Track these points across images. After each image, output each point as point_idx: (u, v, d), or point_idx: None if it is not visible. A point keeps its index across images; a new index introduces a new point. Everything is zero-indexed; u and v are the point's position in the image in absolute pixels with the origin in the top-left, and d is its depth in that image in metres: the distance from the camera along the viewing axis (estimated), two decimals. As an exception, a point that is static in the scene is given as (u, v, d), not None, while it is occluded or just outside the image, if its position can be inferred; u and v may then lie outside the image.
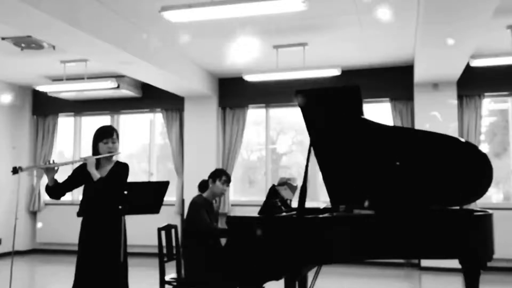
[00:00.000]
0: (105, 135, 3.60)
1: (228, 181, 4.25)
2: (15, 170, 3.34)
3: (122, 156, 3.73)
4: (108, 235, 3.45)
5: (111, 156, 3.62)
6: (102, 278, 3.43)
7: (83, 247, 3.52)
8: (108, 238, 3.45)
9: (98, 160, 3.57)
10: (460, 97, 7.03)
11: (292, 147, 8.55)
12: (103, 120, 8.69)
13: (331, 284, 5.96)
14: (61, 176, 3.59)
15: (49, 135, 8.75)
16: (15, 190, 8.37)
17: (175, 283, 3.96)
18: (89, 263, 3.46)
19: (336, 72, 6.52)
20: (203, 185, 4.28)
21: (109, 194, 3.38)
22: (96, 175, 3.46)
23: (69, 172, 3.71)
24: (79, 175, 3.59)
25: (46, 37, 4.98)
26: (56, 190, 3.55)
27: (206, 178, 4.30)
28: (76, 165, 3.69)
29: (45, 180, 3.52)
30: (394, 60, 7.01)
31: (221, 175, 4.21)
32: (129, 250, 3.61)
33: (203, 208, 4.07)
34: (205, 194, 4.22)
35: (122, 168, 3.63)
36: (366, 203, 3.39)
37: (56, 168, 3.48)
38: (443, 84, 6.99)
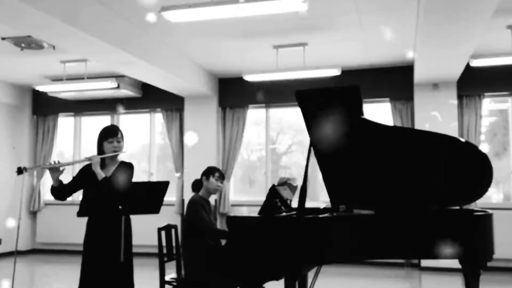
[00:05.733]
0: (110, 134, 3.60)
1: (221, 177, 4.24)
2: (20, 171, 3.34)
3: (122, 156, 3.72)
4: (111, 235, 3.45)
5: (116, 156, 3.62)
6: (107, 279, 3.43)
7: (87, 248, 3.52)
8: (111, 238, 3.45)
9: (102, 160, 3.56)
10: (460, 97, 7.03)
11: (292, 147, 8.55)
12: (103, 120, 8.69)
13: (331, 284, 5.96)
14: (63, 176, 3.58)
15: (49, 135, 8.75)
16: (17, 190, 8.37)
17: (175, 283, 3.96)
18: (94, 263, 3.46)
19: (336, 72, 6.52)
20: (196, 185, 4.27)
21: (113, 194, 3.38)
22: (101, 174, 3.45)
23: (69, 172, 3.70)
24: (84, 175, 3.58)
25: (46, 37, 4.98)
26: (61, 191, 3.54)
27: (199, 178, 4.29)
28: (81, 165, 3.68)
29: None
30: (394, 60, 7.01)
31: (214, 172, 4.19)
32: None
33: (202, 207, 4.06)
34: (201, 193, 4.21)
35: (127, 168, 3.63)
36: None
37: (61, 168, 3.48)
38: (443, 84, 6.99)
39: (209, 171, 4.21)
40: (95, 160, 3.48)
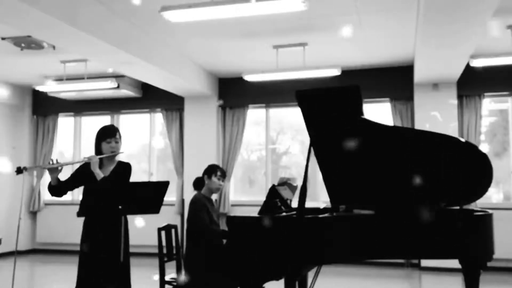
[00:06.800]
0: (108, 134, 3.60)
1: (223, 175, 4.24)
2: (19, 170, 3.34)
3: (122, 156, 3.73)
4: (109, 235, 3.45)
5: (114, 156, 3.62)
6: (104, 278, 3.43)
7: (85, 248, 3.52)
8: (109, 238, 3.45)
9: (100, 160, 3.57)
10: (460, 97, 7.03)
11: (292, 147, 8.55)
12: (103, 120, 8.69)
13: (331, 284, 5.96)
14: (62, 175, 3.58)
15: (49, 135, 8.75)
16: (17, 190, 8.36)
17: (175, 283, 3.96)
18: (91, 263, 3.46)
19: (336, 72, 6.52)
20: (198, 183, 4.27)
21: (112, 193, 3.38)
22: (100, 174, 3.46)
23: (70, 172, 3.71)
24: (82, 175, 3.59)
25: (46, 37, 4.98)
26: (58, 189, 3.55)
27: (200, 176, 4.29)
28: (79, 164, 3.69)
29: (45, 181, 3.53)
30: (394, 60, 7.01)
31: (216, 170, 4.19)
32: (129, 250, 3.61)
33: (203, 208, 4.05)
34: (202, 191, 4.21)
35: (124, 168, 3.63)
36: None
37: (60, 168, 3.48)
38: (443, 84, 6.99)
39: (211, 170, 4.20)
40: (94, 160, 3.49)
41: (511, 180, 7.16)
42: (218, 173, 4.18)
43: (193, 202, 4.10)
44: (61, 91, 7.64)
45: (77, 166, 3.73)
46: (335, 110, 3.15)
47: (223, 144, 7.97)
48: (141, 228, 6.08)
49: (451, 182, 3.09)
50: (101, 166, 3.57)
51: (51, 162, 3.47)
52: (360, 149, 3.19)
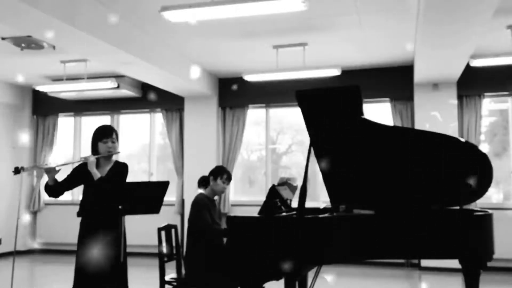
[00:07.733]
0: (105, 135, 3.61)
1: (229, 179, 4.25)
2: (17, 170, 3.35)
3: (122, 156, 3.73)
4: (108, 235, 3.45)
5: (111, 156, 3.63)
6: (101, 278, 3.43)
7: (83, 247, 3.51)
8: (108, 238, 3.45)
9: (97, 160, 3.57)
10: (460, 97, 7.03)
11: (292, 147, 8.55)
12: (103, 120, 8.69)
13: (331, 284, 5.96)
14: (60, 175, 3.59)
15: (49, 135, 8.75)
16: (17, 190, 8.36)
17: (175, 283, 3.96)
18: (89, 263, 3.46)
19: (336, 72, 6.52)
20: (203, 182, 4.27)
21: (108, 193, 3.38)
22: (97, 174, 3.47)
23: (69, 172, 3.71)
24: (79, 175, 3.59)
25: (46, 37, 4.98)
26: (55, 189, 3.55)
27: (206, 174, 4.29)
28: (76, 164, 3.70)
29: (45, 181, 3.53)
30: (394, 60, 7.01)
31: (222, 174, 4.20)
32: (129, 250, 3.61)
33: (205, 208, 4.06)
34: (206, 192, 4.21)
35: (121, 168, 3.63)
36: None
37: (57, 168, 3.49)
38: (443, 84, 6.99)
39: (218, 173, 4.20)
40: (91, 160, 3.49)
41: (511, 180, 7.16)
42: (225, 176, 4.20)
43: (195, 202, 4.12)
44: (61, 91, 7.64)
45: (75, 166, 3.73)
46: (335, 110, 3.15)
47: (223, 144, 7.97)
48: (141, 228, 6.08)
49: (451, 182, 3.09)
50: (98, 166, 3.56)
51: (49, 163, 3.48)
52: (360, 149, 3.19)
